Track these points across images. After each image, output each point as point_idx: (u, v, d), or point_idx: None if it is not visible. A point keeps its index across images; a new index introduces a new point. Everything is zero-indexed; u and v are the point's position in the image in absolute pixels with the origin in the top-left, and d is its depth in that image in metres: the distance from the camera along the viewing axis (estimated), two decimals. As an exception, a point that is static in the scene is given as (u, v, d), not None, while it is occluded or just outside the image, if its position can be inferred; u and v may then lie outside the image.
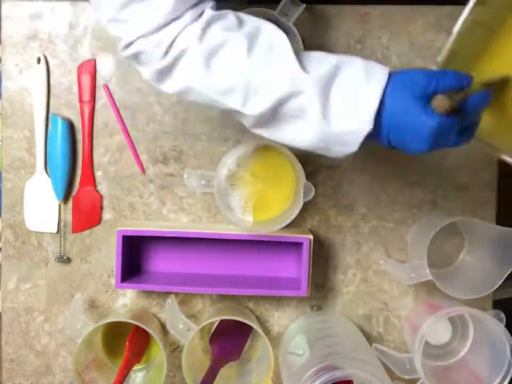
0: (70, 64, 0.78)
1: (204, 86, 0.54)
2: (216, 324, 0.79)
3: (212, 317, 0.73)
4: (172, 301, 0.73)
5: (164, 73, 0.54)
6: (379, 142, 0.54)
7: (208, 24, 0.53)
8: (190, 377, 0.70)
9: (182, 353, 0.70)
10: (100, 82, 0.78)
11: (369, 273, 0.80)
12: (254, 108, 0.53)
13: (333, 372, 0.61)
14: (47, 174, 0.79)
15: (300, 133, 0.54)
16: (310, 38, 0.77)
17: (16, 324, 0.80)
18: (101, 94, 0.78)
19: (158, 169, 0.79)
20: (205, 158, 0.79)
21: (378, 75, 0.51)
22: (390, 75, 0.52)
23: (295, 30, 0.70)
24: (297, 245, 0.76)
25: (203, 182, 0.73)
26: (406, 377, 0.71)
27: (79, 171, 0.79)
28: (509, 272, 0.70)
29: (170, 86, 0.55)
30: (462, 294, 0.72)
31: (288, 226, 0.70)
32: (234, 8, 0.56)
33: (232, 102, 0.54)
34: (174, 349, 0.81)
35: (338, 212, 0.80)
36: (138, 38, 0.52)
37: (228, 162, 0.75)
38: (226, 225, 0.78)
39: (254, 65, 0.53)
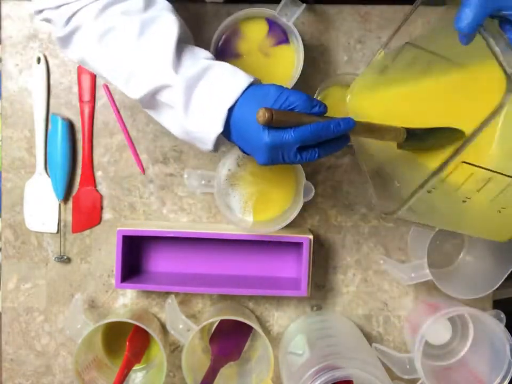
0: (70, 64, 0.78)
1: (95, 60, 0.59)
2: (216, 324, 0.79)
3: (212, 317, 0.73)
4: (171, 301, 0.73)
5: (64, 41, 0.59)
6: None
7: (106, 6, 0.56)
8: (190, 377, 0.70)
9: (182, 353, 0.70)
10: (99, 82, 0.78)
11: (369, 273, 0.80)
12: (134, 91, 0.57)
13: (333, 371, 0.61)
14: (47, 174, 0.79)
15: (171, 122, 0.58)
16: (310, 38, 0.77)
17: (16, 324, 0.80)
18: (101, 94, 0.78)
19: (158, 169, 0.79)
20: (205, 158, 0.79)
21: (238, 83, 0.54)
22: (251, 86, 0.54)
23: (295, 30, 0.70)
24: (297, 245, 0.76)
25: (203, 182, 0.73)
26: (406, 377, 0.71)
27: (79, 171, 0.79)
28: (509, 272, 0.71)
29: (71, 53, 0.60)
30: (462, 294, 0.72)
31: (288, 226, 0.70)
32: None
33: (117, 82, 0.58)
34: (174, 349, 0.81)
35: (338, 211, 0.80)
36: (45, 9, 0.58)
37: (228, 162, 0.75)
38: (226, 225, 0.78)
39: (138, 52, 0.56)
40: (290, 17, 0.70)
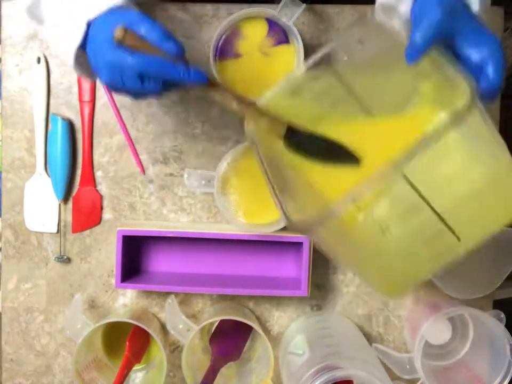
0: (70, 64, 0.78)
1: None
2: (216, 324, 0.79)
3: (212, 317, 0.73)
4: (171, 301, 0.73)
5: None
6: None
7: None
8: (190, 377, 0.70)
9: (182, 353, 0.70)
10: (100, 82, 0.78)
11: (369, 273, 0.80)
12: None
13: (333, 371, 0.61)
14: (47, 174, 0.79)
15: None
16: (310, 38, 0.77)
17: (16, 324, 0.80)
18: (101, 94, 0.78)
19: (158, 169, 0.79)
20: (205, 158, 0.79)
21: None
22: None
23: (295, 30, 0.70)
24: (297, 245, 0.76)
25: (203, 182, 0.73)
26: (406, 377, 0.71)
27: (79, 171, 0.79)
28: (509, 272, 0.71)
29: None
30: (462, 294, 0.72)
31: (288, 226, 0.70)
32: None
33: None
34: (174, 349, 0.81)
35: (338, 211, 0.80)
36: None
37: (225, 163, 0.75)
38: (226, 225, 0.78)
39: None
40: (290, 17, 0.70)
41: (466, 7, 0.51)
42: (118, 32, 0.49)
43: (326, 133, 0.54)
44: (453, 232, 0.48)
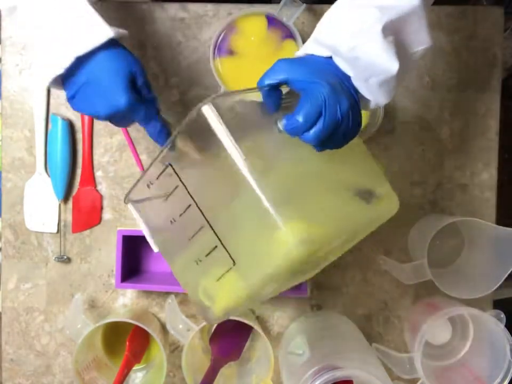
0: (70, 64, 0.78)
1: None
2: (216, 323, 0.79)
3: (212, 317, 0.73)
4: (171, 301, 0.73)
5: None
6: None
7: None
8: (190, 377, 0.70)
9: (182, 353, 0.70)
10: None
11: (369, 273, 0.80)
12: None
13: (333, 371, 0.61)
14: (47, 174, 0.79)
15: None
16: (310, 38, 0.77)
17: (16, 324, 0.80)
18: (101, 94, 0.78)
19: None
20: (205, 158, 0.79)
21: (95, 37, 0.52)
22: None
23: (295, 30, 0.70)
24: (297, 245, 0.75)
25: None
26: (406, 377, 0.71)
27: (79, 171, 0.79)
28: (509, 272, 0.70)
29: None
30: (462, 294, 0.72)
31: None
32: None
33: None
34: (174, 349, 0.81)
35: (338, 211, 0.80)
36: None
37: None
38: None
39: None
40: (290, 17, 0.70)
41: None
42: None
43: None
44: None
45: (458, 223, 0.79)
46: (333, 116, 0.48)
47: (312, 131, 0.48)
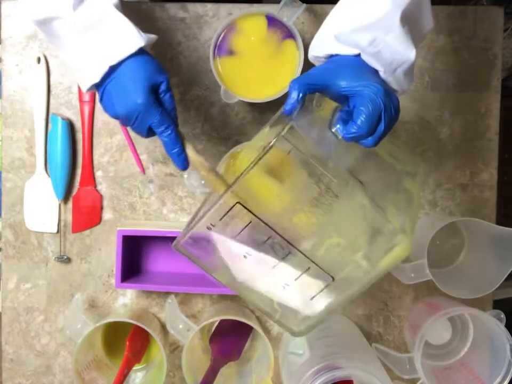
0: (70, 64, 0.78)
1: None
2: (216, 324, 0.79)
3: (212, 317, 0.73)
4: (171, 301, 0.73)
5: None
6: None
7: None
8: (190, 377, 0.70)
9: (182, 353, 0.70)
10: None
11: (369, 273, 0.80)
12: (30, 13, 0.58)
13: (333, 371, 0.61)
14: (47, 174, 0.79)
15: (60, 52, 0.60)
16: (310, 38, 0.77)
17: (16, 324, 0.80)
18: (101, 94, 0.78)
19: (158, 169, 0.79)
20: (205, 157, 0.79)
21: (128, 46, 0.55)
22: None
23: (295, 30, 0.70)
24: (297, 245, 0.75)
25: (203, 182, 0.73)
26: (406, 377, 0.71)
27: (79, 171, 0.79)
28: (509, 272, 0.70)
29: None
30: (462, 294, 0.72)
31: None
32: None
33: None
34: (174, 349, 0.81)
35: (338, 211, 0.80)
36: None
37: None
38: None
39: None
40: (290, 17, 0.70)
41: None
42: None
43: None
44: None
45: (458, 223, 0.79)
46: (389, 116, 0.48)
47: (372, 136, 0.48)
